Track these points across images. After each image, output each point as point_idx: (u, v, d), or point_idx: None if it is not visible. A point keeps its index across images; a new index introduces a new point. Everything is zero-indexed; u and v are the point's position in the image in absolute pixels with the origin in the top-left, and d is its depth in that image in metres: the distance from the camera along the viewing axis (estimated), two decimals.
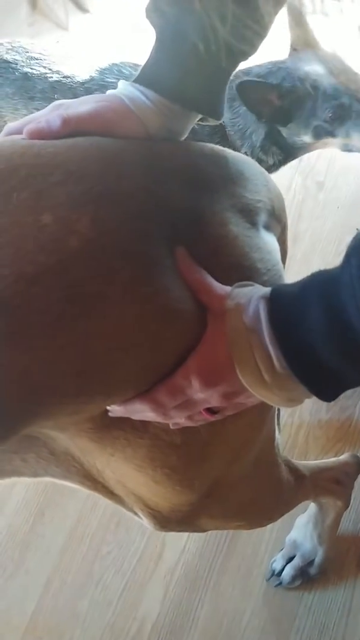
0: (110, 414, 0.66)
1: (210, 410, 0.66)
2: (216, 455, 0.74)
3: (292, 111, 1.25)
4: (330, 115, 1.23)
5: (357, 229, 0.56)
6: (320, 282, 0.59)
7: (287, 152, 1.34)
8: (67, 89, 1.28)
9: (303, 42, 1.28)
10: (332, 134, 1.27)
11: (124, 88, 0.70)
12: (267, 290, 0.62)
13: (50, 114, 0.67)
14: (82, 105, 0.68)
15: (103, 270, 0.57)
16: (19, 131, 0.68)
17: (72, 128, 0.66)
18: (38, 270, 0.54)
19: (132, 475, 0.73)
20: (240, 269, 0.67)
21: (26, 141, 0.65)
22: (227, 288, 0.64)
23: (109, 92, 0.71)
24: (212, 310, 0.63)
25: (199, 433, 0.69)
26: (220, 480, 0.78)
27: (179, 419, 0.66)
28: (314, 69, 1.25)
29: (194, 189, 0.67)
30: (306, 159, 1.27)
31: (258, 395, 0.63)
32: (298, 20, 1.26)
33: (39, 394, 0.57)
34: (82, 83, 1.28)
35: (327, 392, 0.61)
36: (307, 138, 1.28)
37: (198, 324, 0.63)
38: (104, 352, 0.58)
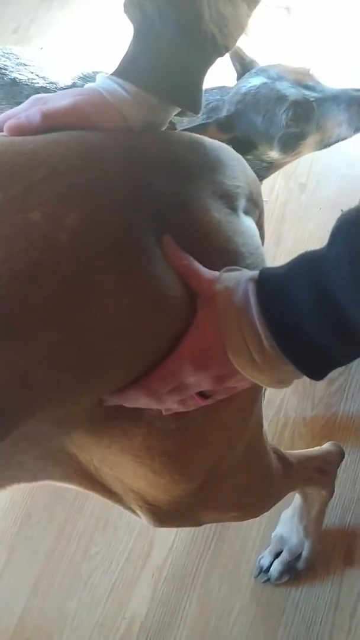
0: (105, 403, 0.66)
1: (202, 395, 0.67)
2: (211, 440, 0.75)
3: (250, 135, 1.15)
4: (290, 116, 1.10)
5: (341, 210, 0.58)
6: (307, 261, 0.60)
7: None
8: None
9: (241, 68, 1.22)
10: (302, 137, 1.14)
11: (102, 81, 0.70)
12: (255, 272, 0.64)
13: (30, 109, 0.67)
14: (61, 100, 0.68)
15: (95, 263, 0.58)
16: None
17: (51, 122, 0.66)
18: (31, 268, 0.55)
19: (130, 469, 0.73)
20: (225, 253, 0.68)
21: (7, 138, 0.65)
22: (215, 273, 0.65)
23: (87, 85, 0.71)
24: (201, 294, 0.64)
25: (193, 418, 0.70)
26: (216, 469, 0.79)
27: (171, 404, 0.67)
28: (251, 83, 1.15)
29: (176, 178, 0.68)
30: None
31: (249, 377, 0.64)
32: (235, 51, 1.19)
33: (39, 390, 0.57)
34: (65, 89, 1.26)
35: (316, 370, 0.62)
36: (274, 154, 1.17)
37: (189, 310, 0.64)
38: (100, 343, 0.59)
